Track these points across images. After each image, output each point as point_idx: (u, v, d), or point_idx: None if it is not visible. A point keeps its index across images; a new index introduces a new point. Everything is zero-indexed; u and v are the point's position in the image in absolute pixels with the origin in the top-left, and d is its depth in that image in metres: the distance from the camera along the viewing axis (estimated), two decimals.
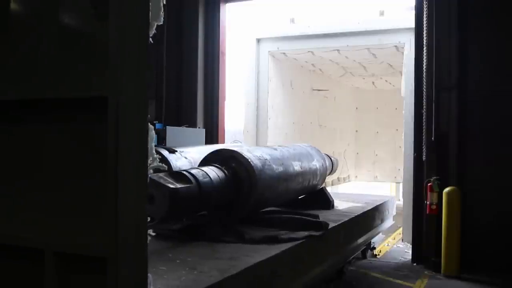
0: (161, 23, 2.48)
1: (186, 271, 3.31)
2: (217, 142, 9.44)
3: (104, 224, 2.09)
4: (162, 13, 2.46)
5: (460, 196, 7.10)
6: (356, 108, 16.71)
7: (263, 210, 5.54)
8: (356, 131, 16.75)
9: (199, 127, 9.32)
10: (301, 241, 4.46)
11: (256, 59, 11.07)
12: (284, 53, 11.32)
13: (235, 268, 3.45)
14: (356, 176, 16.66)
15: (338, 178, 14.42)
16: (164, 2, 2.52)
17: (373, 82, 15.40)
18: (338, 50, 10.91)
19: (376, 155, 16.51)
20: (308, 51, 11.12)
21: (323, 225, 5.02)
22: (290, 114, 12.31)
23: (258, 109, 11.10)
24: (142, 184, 2.23)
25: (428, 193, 7.36)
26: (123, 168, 2.07)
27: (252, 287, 3.61)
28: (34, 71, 2.27)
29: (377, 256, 8.27)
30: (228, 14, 9.96)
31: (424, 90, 7.69)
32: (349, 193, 10.10)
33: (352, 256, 6.93)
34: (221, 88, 9.77)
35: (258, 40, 11.09)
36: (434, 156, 7.49)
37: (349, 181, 16.03)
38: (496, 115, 7.35)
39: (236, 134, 10.90)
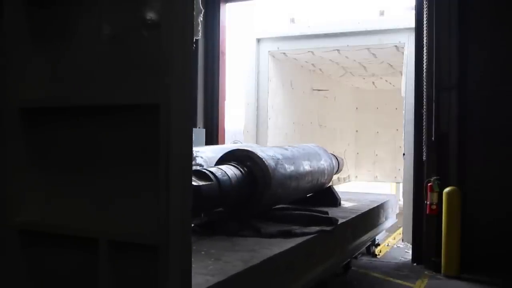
0: (199, 37, 2.64)
1: (212, 261, 3.63)
2: (217, 142, 9.44)
3: (157, 214, 2.31)
4: (199, 29, 2.63)
5: (460, 196, 7.10)
6: (356, 108, 16.70)
7: (275, 207, 5.86)
8: (356, 131, 16.74)
9: (199, 127, 9.31)
10: (313, 235, 4.76)
11: (256, 59, 11.07)
12: (284, 53, 11.31)
13: (256, 258, 3.78)
14: (356, 176, 16.65)
15: (338, 178, 14.40)
16: (202, 19, 2.67)
17: (373, 82, 15.39)
18: (338, 50, 10.90)
19: (376, 155, 16.50)
20: (308, 51, 11.11)
21: (333, 221, 5.33)
22: (290, 114, 12.30)
23: (258, 109, 11.09)
24: (187, 179, 2.47)
25: (428, 193, 7.36)
26: (173, 166, 2.30)
27: (272, 275, 3.95)
28: (92, 80, 2.52)
29: (377, 256, 8.28)
30: (228, 14, 9.97)
31: (424, 90, 7.69)
32: (353, 191, 10.23)
33: (358, 252, 7.14)
34: (221, 88, 9.77)
35: (258, 40, 11.08)
36: (434, 156, 7.49)
37: (349, 181, 16.02)
38: (496, 115, 7.35)
39: (236, 134, 10.90)
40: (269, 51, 11.09)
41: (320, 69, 13.33)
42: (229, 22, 10.00)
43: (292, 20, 10.99)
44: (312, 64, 12.64)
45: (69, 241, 2.56)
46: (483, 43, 7.44)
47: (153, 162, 2.33)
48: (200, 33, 2.68)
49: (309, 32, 10.58)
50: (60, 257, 2.62)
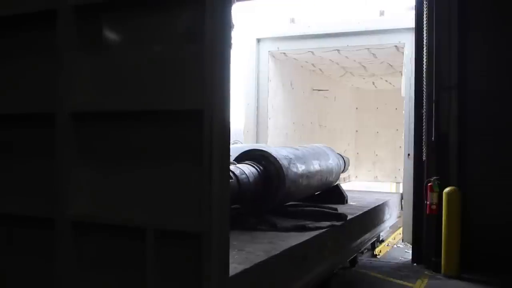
0: (231, 48, 2.92)
1: (236, 252, 3.90)
2: None
3: (200, 205, 2.59)
4: (232, 42, 3.04)
5: (460, 196, 7.10)
6: (356, 108, 16.70)
7: (287, 203, 6.23)
8: (356, 131, 16.74)
9: None
10: (325, 229, 5.15)
11: (256, 59, 11.07)
12: (284, 53, 11.31)
13: (276, 249, 4.15)
14: (356, 176, 16.65)
15: None
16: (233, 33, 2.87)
17: (373, 82, 15.39)
18: (338, 50, 10.91)
19: (376, 155, 16.49)
20: (308, 51, 11.11)
21: (342, 216, 5.70)
22: (290, 114, 12.30)
23: (258, 109, 11.09)
24: (226, 174, 2.77)
25: (428, 193, 7.35)
26: (214, 162, 2.59)
27: (290, 265, 4.33)
28: (140, 88, 2.83)
29: (377, 256, 8.28)
30: None
31: (424, 90, 7.69)
32: (358, 190, 10.49)
33: (364, 247, 7.46)
34: None
35: (258, 40, 11.09)
36: (434, 156, 7.49)
37: (349, 181, 16.02)
38: (496, 115, 7.34)
39: (236, 134, 10.87)
40: (269, 51, 11.09)
41: (320, 69, 13.33)
42: None
43: (292, 20, 10.98)
44: (312, 64, 12.64)
45: (118, 231, 2.82)
46: (483, 43, 7.44)
47: (196, 159, 2.62)
48: (232, 46, 2.89)
49: (309, 32, 10.58)
50: (110, 245, 2.88)
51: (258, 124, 11.09)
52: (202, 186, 2.60)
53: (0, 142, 3.21)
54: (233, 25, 3.08)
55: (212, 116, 2.58)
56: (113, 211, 2.88)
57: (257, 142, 10.82)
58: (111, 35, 2.94)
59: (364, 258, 7.93)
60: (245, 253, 3.94)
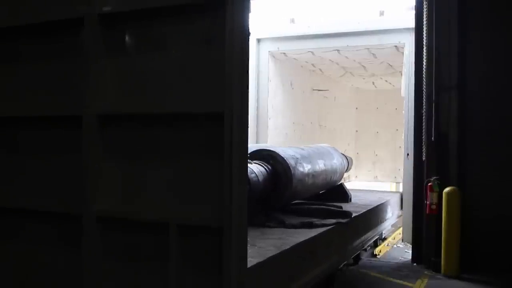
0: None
1: (248, 247, 4.16)
2: None
3: (221, 200, 2.77)
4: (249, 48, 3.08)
5: (460, 196, 7.10)
6: (356, 108, 16.69)
7: (293, 202, 6.47)
8: (356, 131, 16.73)
9: None
10: (331, 226, 5.37)
11: (256, 59, 11.06)
12: (284, 53, 11.31)
13: (286, 245, 4.40)
14: (356, 176, 16.64)
15: None
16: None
17: (373, 82, 15.38)
18: (338, 50, 10.90)
19: (376, 155, 16.48)
20: (308, 51, 11.11)
21: (348, 214, 5.92)
22: (290, 114, 12.30)
23: (258, 109, 11.09)
24: (244, 172, 2.96)
25: (428, 193, 7.36)
26: (234, 159, 2.77)
27: (300, 259, 4.59)
28: (163, 93, 3.00)
29: (377, 256, 8.29)
30: None
31: (424, 90, 7.69)
32: (360, 189, 10.77)
33: (367, 245, 7.67)
34: None
35: (258, 40, 11.08)
36: (434, 156, 7.49)
37: (349, 181, 16.01)
38: (496, 115, 7.35)
39: None
40: (269, 51, 11.09)
41: (320, 69, 13.33)
42: None
43: (292, 20, 10.98)
44: (312, 64, 12.64)
45: (142, 225, 3.01)
46: (483, 43, 7.44)
47: (217, 158, 2.79)
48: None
49: (309, 32, 10.58)
50: (134, 239, 3.06)
51: (258, 124, 11.08)
52: (222, 183, 2.76)
53: (30, 142, 3.42)
54: (249, 33, 3.18)
55: (232, 117, 2.75)
56: (137, 207, 3.05)
57: (257, 142, 10.82)
58: (134, 41, 3.12)
59: (364, 258, 7.93)
60: (257, 248, 4.16)
